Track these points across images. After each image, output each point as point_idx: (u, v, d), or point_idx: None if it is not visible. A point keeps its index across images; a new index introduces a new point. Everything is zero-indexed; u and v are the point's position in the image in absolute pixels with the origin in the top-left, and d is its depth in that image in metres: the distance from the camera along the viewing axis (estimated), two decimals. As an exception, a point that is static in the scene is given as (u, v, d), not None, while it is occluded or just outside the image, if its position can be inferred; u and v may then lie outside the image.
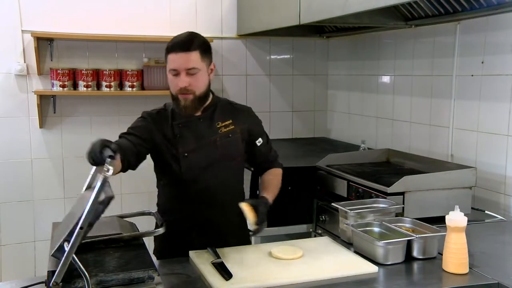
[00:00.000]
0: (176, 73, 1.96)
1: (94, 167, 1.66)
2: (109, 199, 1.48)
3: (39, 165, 3.56)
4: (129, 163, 1.94)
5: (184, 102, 1.99)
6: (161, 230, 1.67)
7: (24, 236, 3.56)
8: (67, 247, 1.36)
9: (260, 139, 2.19)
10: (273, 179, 2.21)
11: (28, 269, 3.54)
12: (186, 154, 2.03)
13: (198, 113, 2.06)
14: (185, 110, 2.01)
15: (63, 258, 1.34)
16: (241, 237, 2.12)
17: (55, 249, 1.40)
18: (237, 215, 1.92)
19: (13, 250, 3.54)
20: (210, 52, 2.05)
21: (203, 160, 2.04)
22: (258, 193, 2.44)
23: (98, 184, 1.40)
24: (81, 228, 1.35)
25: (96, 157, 1.60)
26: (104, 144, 1.60)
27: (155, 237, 2.09)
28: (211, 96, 2.11)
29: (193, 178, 2.03)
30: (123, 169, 1.95)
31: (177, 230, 2.02)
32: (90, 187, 1.69)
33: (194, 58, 1.95)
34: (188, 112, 2.03)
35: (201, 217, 2.05)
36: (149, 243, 1.94)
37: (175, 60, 1.95)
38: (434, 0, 2.68)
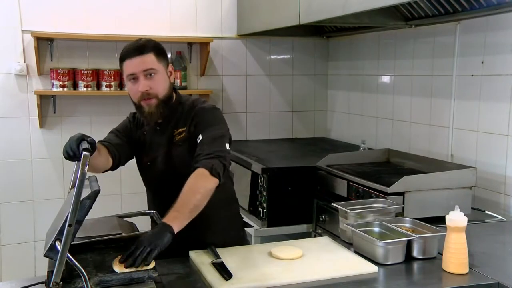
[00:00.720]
0: (134, 77, 1.91)
1: (76, 164, 1.65)
2: (95, 194, 1.47)
3: (39, 165, 3.56)
4: (120, 159, 1.99)
5: (148, 109, 1.93)
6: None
7: (24, 236, 3.56)
8: (59, 246, 1.35)
9: (200, 136, 1.92)
10: (183, 192, 1.74)
11: (28, 269, 3.54)
12: (148, 163, 2.04)
13: (160, 120, 2.00)
14: (150, 117, 1.95)
15: (58, 258, 1.34)
16: (232, 241, 2.04)
17: (47, 248, 1.40)
18: (205, 221, 1.84)
19: (13, 250, 3.55)
20: (165, 55, 2.00)
21: (163, 170, 2.01)
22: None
23: (78, 180, 1.38)
24: (69, 225, 1.34)
25: (72, 150, 1.61)
26: (82, 137, 1.62)
27: None
28: (173, 99, 2.03)
29: (156, 187, 2.06)
30: (114, 165, 1.99)
31: None
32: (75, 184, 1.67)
33: (149, 59, 1.91)
34: (153, 119, 1.96)
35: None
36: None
37: (131, 64, 1.90)
38: (434, 0, 2.68)
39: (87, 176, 1.47)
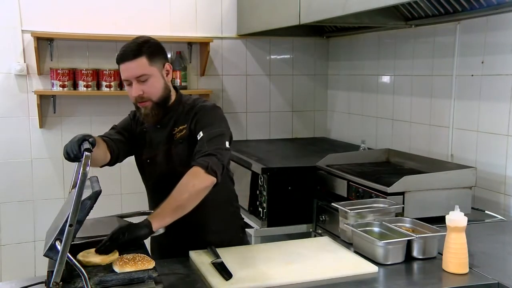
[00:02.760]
0: (129, 83, 1.92)
1: (77, 164, 1.63)
2: (96, 194, 1.47)
3: (39, 165, 3.56)
4: (119, 155, 1.99)
5: (144, 110, 1.94)
6: (161, 230, 1.66)
7: (24, 236, 3.56)
8: (60, 246, 1.35)
9: (200, 133, 1.91)
10: (174, 190, 1.75)
11: (28, 269, 3.54)
12: (148, 161, 2.03)
13: (157, 120, 2.00)
14: (147, 119, 1.97)
15: (58, 258, 1.34)
16: (229, 241, 2.03)
17: (47, 248, 1.40)
18: (202, 221, 1.93)
19: (13, 250, 3.55)
20: (160, 54, 1.97)
21: (160, 168, 2.00)
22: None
23: (79, 180, 1.38)
24: (70, 225, 1.35)
25: (73, 152, 1.60)
26: (83, 138, 1.61)
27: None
28: (173, 99, 2.02)
29: (155, 185, 2.04)
30: (112, 161, 2.00)
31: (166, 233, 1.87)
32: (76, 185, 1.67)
33: (140, 65, 1.88)
34: (149, 120, 1.97)
35: (176, 221, 1.86)
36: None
37: (124, 70, 1.91)
38: (434, 0, 2.68)
39: (88, 177, 1.47)
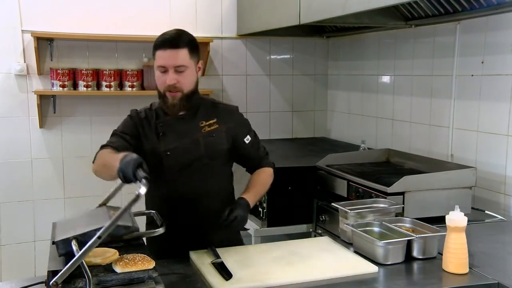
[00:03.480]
0: (164, 70, 1.95)
1: (117, 181, 1.66)
2: (131, 230, 1.48)
3: (39, 165, 3.56)
4: None
5: (172, 100, 1.98)
6: (161, 230, 1.64)
7: (24, 236, 3.56)
8: (75, 246, 1.36)
9: (248, 137, 2.14)
10: (258, 179, 2.14)
11: (28, 269, 3.54)
12: (168, 153, 2.02)
13: (181, 113, 2.04)
14: (173, 109, 2.00)
15: (72, 261, 1.34)
16: (232, 239, 2.08)
17: (60, 238, 1.38)
18: (218, 217, 1.92)
19: (13, 250, 3.55)
20: (198, 50, 2.03)
21: (185, 159, 2.02)
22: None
23: (128, 203, 1.42)
24: (98, 237, 1.36)
25: (129, 176, 1.58)
26: (138, 164, 1.59)
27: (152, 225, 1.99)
28: (197, 93, 2.08)
29: (174, 178, 2.02)
30: None
31: (169, 232, 1.85)
32: (109, 199, 1.68)
33: (182, 55, 1.94)
34: (175, 110, 2.01)
35: (182, 219, 2.02)
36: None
37: (164, 56, 1.94)
38: (434, 0, 2.68)
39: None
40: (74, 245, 1.36)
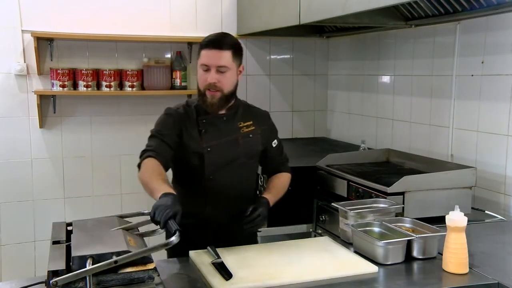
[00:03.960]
0: (207, 68, 2.04)
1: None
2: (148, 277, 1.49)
3: (39, 165, 3.56)
4: (168, 165, 2.07)
5: (211, 99, 2.06)
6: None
7: (24, 236, 3.56)
8: (89, 264, 1.38)
9: (275, 141, 2.30)
10: (278, 182, 2.27)
11: (28, 269, 3.54)
12: (209, 149, 2.08)
13: (222, 112, 2.13)
14: (211, 107, 2.08)
15: (80, 271, 1.36)
16: (250, 237, 2.18)
17: (78, 254, 1.41)
18: (240, 217, 2.04)
19: (13, 250, 3.55)
20: (241, 54, 2.13)
21: (224, 156, 2.11)
22: (258, 193, 2.42)
23: (154, 246, 1.47)
24: (115, 262, 1.40)
25: (160, 224, 1.64)
26: (172, 216, 1.62)
27: (167, 232, 2.01)
28: (235, 95, 2.19)
29: (213, 174, 2.09)
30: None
31: (191, 228, 1.94)
32: (131, 228, 1.70)
33: (225, 56, 2.03)
34: (213, 109, 2.09)
35: (215, 215, 2.10)
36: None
37: (208, 56, 2.03)
38: (434, 0, 2.68)
39: None
40: (88, 264, 1.39)
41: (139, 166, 2.02)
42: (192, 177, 2.13)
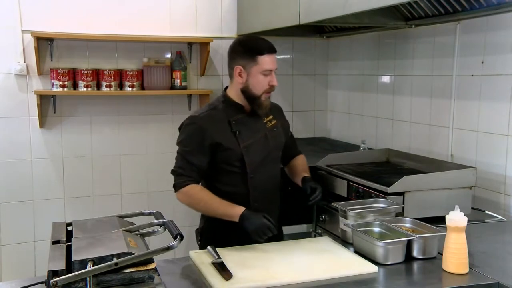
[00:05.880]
0: (268, 73, 2.17)
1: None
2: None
3: (39, 165, 3.56)
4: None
5: (265, 101, 2.22)
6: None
7: (24, 236, 3.56)
8: (90, 267, 1.38)
9: (290, 130, 2.51)
10: (304, 163, 2.52)
11: (28, 269, 3.54)
12: (246, 149, 2.18)
13: (248, 111, 2.24)
14: (265, 109, 2.24)
15: (80, 272, 1.37)
16: (279, 230, 2.35)
17: (77, 258, 1.41)
18: (278, 207, 2.30)
19: (13, 250, 3.55)
20: None
21: (260, 153, 2.23)
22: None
23: (162, 248, 1.48)
24: (115, 264, 1.40)
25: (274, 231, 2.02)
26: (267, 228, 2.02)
27: (206, 221, 2.27)
28: None
29: (254, 172, 2.19)
30: None
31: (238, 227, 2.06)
32: (141, 234, 1.71)
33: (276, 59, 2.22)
34: (267, 109, 2.26)
35: (258, 209, 2.16)
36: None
37: (271, 60, 2.17)
38: (434, 0, 2.68)
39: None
40: (89, 266, 1.40)
41: (175, 187, 2.16)
42: (235, 177, 2.20)
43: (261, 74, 2.15)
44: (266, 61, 2.14)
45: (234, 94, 2.23)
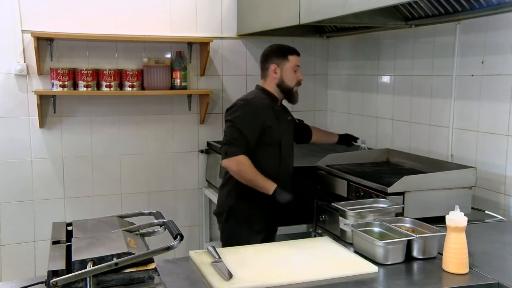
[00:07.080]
0: (297, 69, 2.66)
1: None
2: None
3: (39, 165, 3.56)
4: None
5: (296, 93, 2.69)
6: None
7: (24, 236, 3.56)
8: (90, 267, 1.39)
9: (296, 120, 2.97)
10: (320, 128, 3.18)
11: (28, 269, 3.54)
12: (283, 134, 2.61)
13: (280, 103, 2.71)
14: (297, 98, 2.71)
15: (80, 272, 1.37)
16: (274, 228, 2.77)
17: (78, 258, 1.41)
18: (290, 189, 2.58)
19: (13, 250, 3.55)
20: None
21: (289, 140, 2.71)
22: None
23: (161, 248, 1.48)
24: (115, 264, 1.41)
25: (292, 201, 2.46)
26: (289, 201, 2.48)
27: (236, 200, 2.60)
28: None
29: (284, 155, 2.61)
30: None
31: (266, 208, 2.56)
32: (141, 234, 1.70)
33: None
34: (298, 99, 2.72)
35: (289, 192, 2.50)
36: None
37: (298, 60, 2.69)
38: (434, 0, 2.68)
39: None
40: (89, 266, 1.40)
41: (226, 154, 2.46)
42: (269, 157, 2.56)
43: (293, 69, 2.63)
44: (295, 59, 2.65)
45: (269, 89, 2.65)
